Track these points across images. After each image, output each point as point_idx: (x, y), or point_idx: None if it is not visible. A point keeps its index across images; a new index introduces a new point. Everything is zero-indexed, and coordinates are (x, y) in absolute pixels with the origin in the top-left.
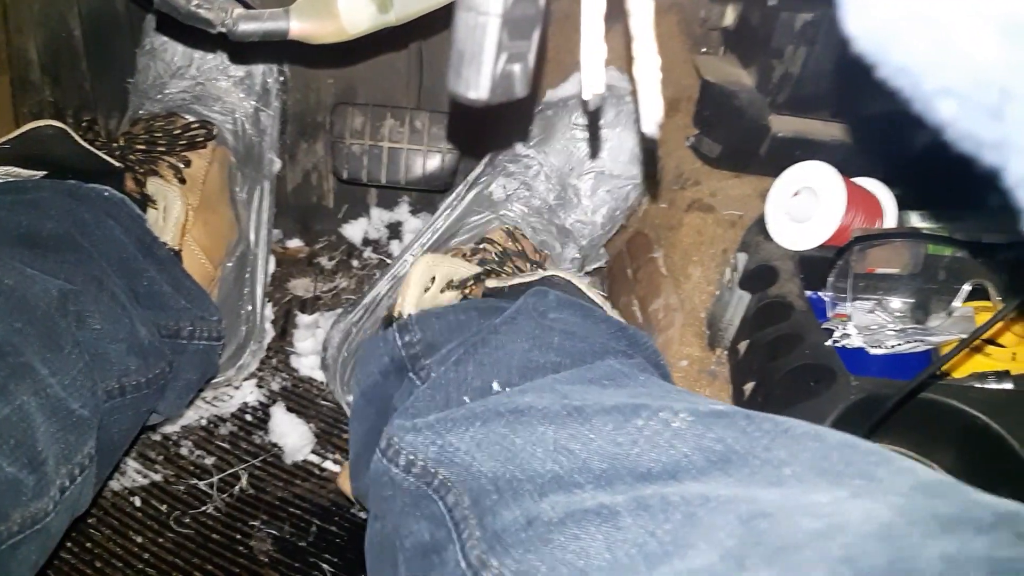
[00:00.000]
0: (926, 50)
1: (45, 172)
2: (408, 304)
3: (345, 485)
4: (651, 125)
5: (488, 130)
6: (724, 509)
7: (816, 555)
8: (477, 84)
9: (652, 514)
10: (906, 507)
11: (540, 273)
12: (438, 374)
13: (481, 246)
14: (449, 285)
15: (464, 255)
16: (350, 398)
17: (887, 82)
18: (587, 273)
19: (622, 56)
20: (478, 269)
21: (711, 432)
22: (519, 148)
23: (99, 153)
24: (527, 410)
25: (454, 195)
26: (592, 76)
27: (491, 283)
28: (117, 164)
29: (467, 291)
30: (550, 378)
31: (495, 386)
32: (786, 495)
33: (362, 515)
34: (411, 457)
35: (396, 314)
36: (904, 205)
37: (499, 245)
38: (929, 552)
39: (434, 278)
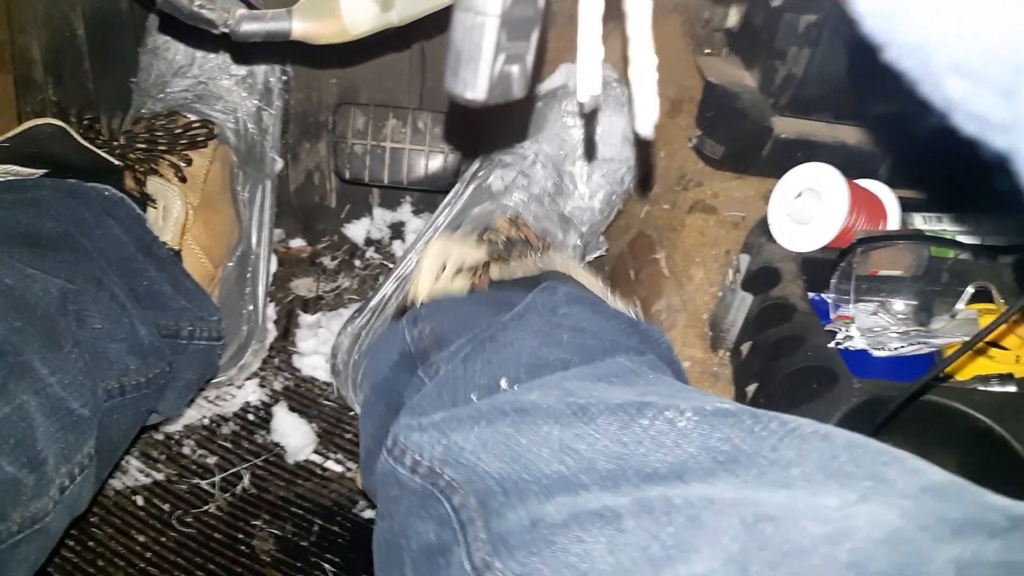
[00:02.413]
0: (936, 26)
1: (45, 171)
2: (422, 290)
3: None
4: (647, 126)
5: (488, 130)
6: (728, 512)
7: (822, 560)
8: (475, 85)
9: (655, 517)
10: (915, 511)
11: (540, 268)
12: (445, 371)
13: (485, 235)
14: (460, 271)
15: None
16: (361, 398)
17: (895, 63)
18: (588, 263)
19: (622, 57)
20: (487, 254)
21: (717, 432)
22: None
23: (98, 151)
24: (532, 409)
25: (453, 192)
26: (588, 77)
27: (495, 273)
28: (117, 163)
29: (476, 278)
30: (558, 375)
31: (503, 384)
32: (793, 497)
33: (364, 515)
34: (417, 457)
35: (410, 301)
36: (907, 207)
37: (503, 233)
38: (940, 557)
39: (446, 264)
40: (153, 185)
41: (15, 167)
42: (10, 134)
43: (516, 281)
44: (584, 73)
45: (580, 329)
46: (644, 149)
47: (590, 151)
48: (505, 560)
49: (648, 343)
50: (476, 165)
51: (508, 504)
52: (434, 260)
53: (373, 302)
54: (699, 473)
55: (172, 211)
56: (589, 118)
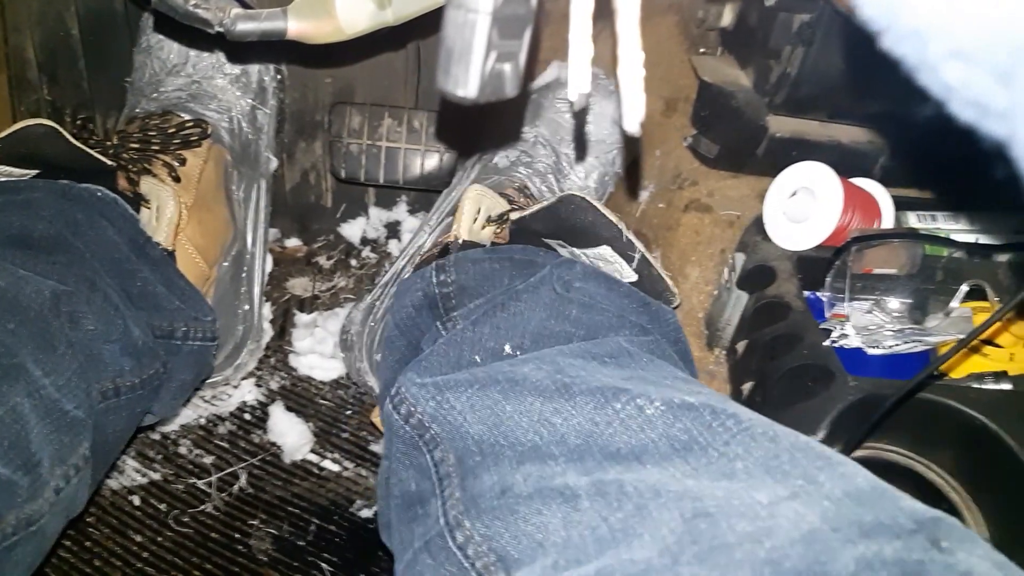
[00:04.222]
0: (933, 10)
1: (37, 171)
2: (463, 229)
3: (376, 417)
4: (634, 124)
5: (482, 129)
6: (671, 505)
7: (744, 556)
8: (466, 82)
9: (608, 501)
10: (834, 512)
11: (559, 194)
12: (457, 331)
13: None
14: (488, 220)
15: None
16: (379, 356)
17: (892, 50)
18: None
19: (612, 57)
20: (509, 206)
21: (679, 423)
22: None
23: (91, 152)
24: (522, 380)
25: (456, 178)
26: (579, 76)
27: (515, 215)
28: (109, 163)
29: (499, 230)
30: (555, 349)
31: (507, 349)
32: (731, 490)
33: (361, 514)
34: (412, 408)
35: (452, 238)
36: (901, 205)
37: (514, 199)
38: (846, 555)
39: (479, 210)
40: (147, 185)
41: (7, 168)
42: (2, 135)
43: (533, 214)
44: (575, 72)
45: (590, 305)
46: (630, 137)
47: (581, 148)
48: (474, 521)
49: (656, 322)
50: (478, 155)
51: (483, 465)
52: (473, 204)
53: (385, 278)
54: (655, 457)
55: (165, 211)
56: (580, 115)
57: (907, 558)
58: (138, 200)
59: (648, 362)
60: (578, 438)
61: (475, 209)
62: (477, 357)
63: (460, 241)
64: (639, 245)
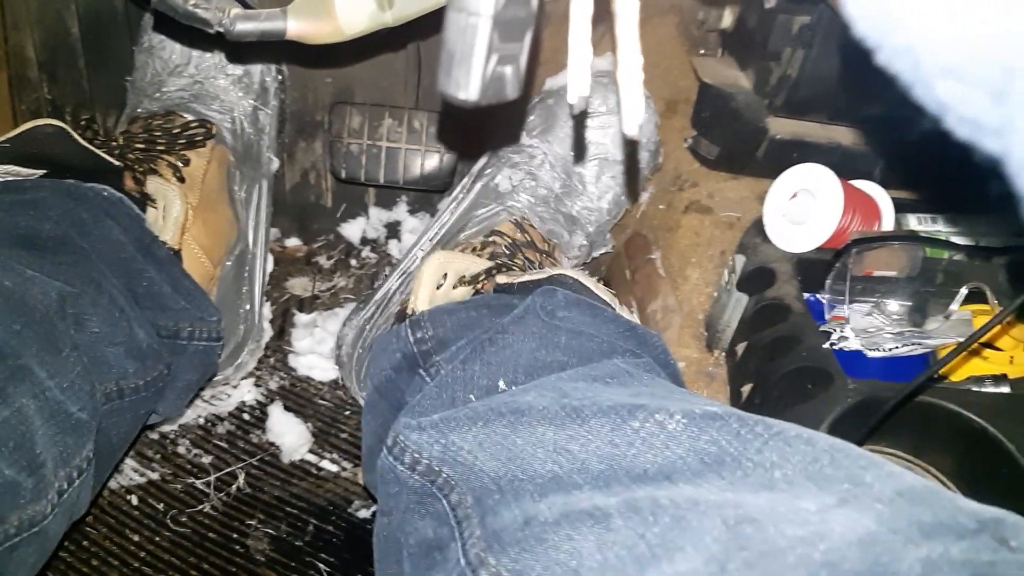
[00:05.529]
0: (926, 28)
1: (44, 171)
2: (421, 301)
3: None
4: (632, 126)
5: (483, 130)
6: (711, 513)
7: (797, 560)
8: (467, 85)
9: (642, 517)
10: (889, 514)
11: (548, 271)
12: (445, 372)
13: (491, 239)
14: (461, 281)
15: (474, 249)
16: (364, 395)
17: (887, 66)
18: (594, 258)
19: (613, 61)
20: (489, 264)
21: (705, 435)
22: (523, 139)
23: (99, 152)
24: (528, 410)
25: (460, 188)
26: (578, 79)
27: (502, 278)
28: (116, 163)
29: (479, 286)
30: (554, 376)
31: (501, 385)
32: (775, 500)
33: (359, 514)
34: (416, 455)
35: (410, 311)
36: (901, 208)
37: (508, 237)
38: (909, 557)
39: (446, 275)
40: (152, 185)
41: (15, 167)
42: (11, 134)
43: (521, 284)
44: (574, 75)
45: (578, 332)
46: (630, 146)
47: (580, 151)
48: (499, 556)
49: (645, 347)
50: (484, 161)
51: (503, 502)
52: (434, 273)
53: (378, 296)
54: (686, 474)
55: (172, 211)
56: (580, 118)
57: (976, 559)
58: (144, 200)
59: (650, 380)
60: (600, 463)
61: (437, 278)
62: (471, 396)
63: (416, 314)
64: (634, 320)
